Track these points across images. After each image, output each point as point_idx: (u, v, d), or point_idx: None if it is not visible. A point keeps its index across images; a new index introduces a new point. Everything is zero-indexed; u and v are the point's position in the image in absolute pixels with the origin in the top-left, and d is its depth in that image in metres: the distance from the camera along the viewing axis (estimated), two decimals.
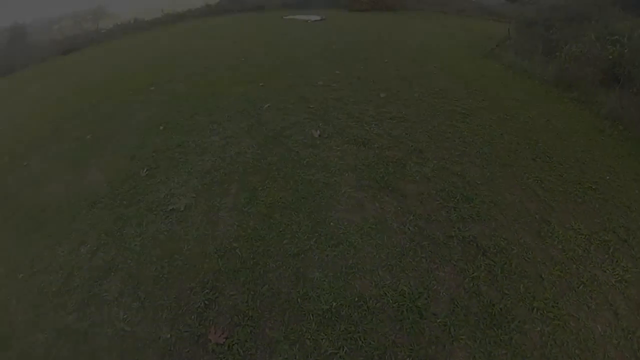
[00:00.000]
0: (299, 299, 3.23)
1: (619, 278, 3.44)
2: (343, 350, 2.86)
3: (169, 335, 3.09)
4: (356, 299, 3.21)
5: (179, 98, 7.95)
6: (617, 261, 3.62)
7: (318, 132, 5.52)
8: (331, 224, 3.92)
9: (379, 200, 4.26)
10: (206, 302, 3.29)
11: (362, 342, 2.91)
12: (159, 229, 4.18)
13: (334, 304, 3.18)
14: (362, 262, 3.53)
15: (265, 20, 21.43)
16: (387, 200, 4.26)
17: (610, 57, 8.70)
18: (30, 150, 6.97)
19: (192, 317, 3.21)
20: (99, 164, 5.87)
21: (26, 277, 3.91)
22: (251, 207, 4.24)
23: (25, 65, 27.28)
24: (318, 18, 20.19)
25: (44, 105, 10.35)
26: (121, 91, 9.41)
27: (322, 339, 2.94)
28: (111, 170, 5.59)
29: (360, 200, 4.24)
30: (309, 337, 2.97)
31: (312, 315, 3.12)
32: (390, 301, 3.19)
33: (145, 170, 5.30)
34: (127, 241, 4.09)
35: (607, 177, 5.03)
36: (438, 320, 3.05)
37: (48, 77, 15.62)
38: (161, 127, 6.56)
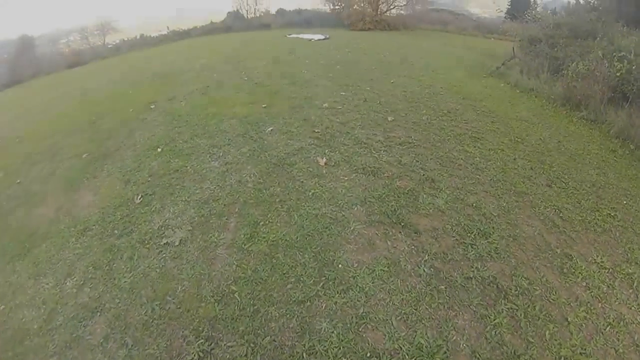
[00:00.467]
0: (304, 354, 2.81)
1: None
2: None
3: None
4: (368, 354, 2.78)
5: (179, 118, 7.60)
6: None
7: (324, 159, 5.12)
8: (340, 266, 3.51)
9: (390, 237, 3.85)
10: (200, 353, 2.86)
11: None
12: (151, 264, 3.77)
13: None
14: (375, 310, 3.11)
15: (270, 39, 21.26)
16: (399, 238, 3.85)
17: (618, 74, 8.40)
18: (26, 167, 6.69)
19: None
20: (92, 186, 5.52)
21: (7, 310, 3.54)
22: (252, 244, 3.82)
23: (32, 77, 27.25)
24: (322, 37, 20.02)
25: (44, 119, 10.15)
26: (122, 108, 9.10)
27: None
28: (105, 194, 5.23)
29: (371, 238, 3.83)
30: None
31: None
32: (407, 356, 2.76)
33: (139, 197, 4.91)
34: (116, 277, 3.68)
35: (624, 202, 4.84)
36: None
37: (51, 91, 15.53)
38: (159, 149, 6.19)
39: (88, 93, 12.69)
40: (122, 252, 4.01)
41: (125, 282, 3.61)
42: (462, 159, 5.57)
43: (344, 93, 8.53)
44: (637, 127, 7.19)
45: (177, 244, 3.99)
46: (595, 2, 14.64)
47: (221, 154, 5.68)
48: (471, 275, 3.48)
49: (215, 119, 7.23)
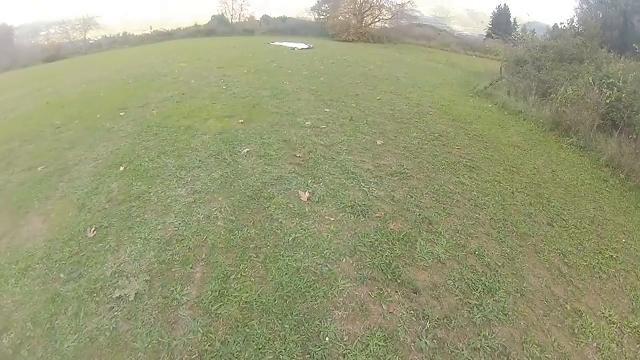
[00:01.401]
0: None
1: None
2: None
3: None
4: None
5: (148, 130, 6.73)
6: None
7: (307, 193, 4.35)
8: (327, 339, 2.75)
9: (386, 299, 3.12)
10: None
11: None
12: (100, 325, 2.94)
13: None
14: None
15: (252, 46, 20.42)
16: (396, 300, 3.13)
17: (608, 101, 8.05)
18: None
19: None
20: (43, 210, 4.62)
21: None
22: (221, 305, 3.03)
23: (8, 69, 25.76)
24: (305, 46, 19.38)
25: (7, 119, 9.16)
26: (90, 114, 8.19)
27: None
28: (55, 221, 4.35)
29: (364, 301, 3.09)
30: None
31: None
32: None
33: (93, 230, 4.06)
34: (58, 339, 2.85)
35: (624, 241, 4.51)
36: None
37: (23, 87, 14.47)
38: (122, 168, 5.34)
39: (60, 92, 11.71)
40: (68, 305, 3.18)
41: (68, 347, 2.78)
42: (459, 193, 4.91)
43: (328, 110, 7.79)
44: (627, 155, 6.87)
45: (132, 298, 3.17)
46: (580, 28, 14.47)
47: (190, 179, 4.84)
48: (479, 346, 2.86)
49: (187, 134, 6.39)
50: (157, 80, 11.36)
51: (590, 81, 9.03)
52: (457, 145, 6.56)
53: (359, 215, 4.07)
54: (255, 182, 4.68)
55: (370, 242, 3.70)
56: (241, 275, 3.29)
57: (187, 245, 3.68)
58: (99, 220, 4.22)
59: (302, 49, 19.22)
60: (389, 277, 3.33)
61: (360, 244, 3.65)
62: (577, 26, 14.83)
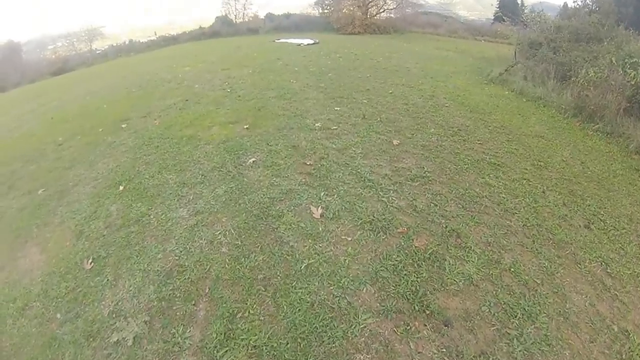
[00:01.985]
0: None
1: None
2: None
3: None
4: None
5: (149, 142, 6.36)
6: None
7: (319, 209, 3.87)
8: None
9: (413, 336, 2.66)
10: None
11: None
12: None
13: None
14: None
15: (257, 45, 19.96)
16: (425, 335, 2.67)
17: (633, 82, 7.38)
18: None
19: None
20: (41, 239, 4.34)
21: None
22: (226, 350, 2.62)
23: (18, 84, 25.84)
24: (311, 42, 18.82)
25: (11, 137, 9.02)
26: (91, 127, 7.89)
27: None
28: (52, 251, 4.04)
29: (388, 339, 2.64)
30: None
31: None
32: None
33: (90, 261, 3.71)
34: None
35: None
36: None
37: (28, 102, 14.36)
38: (121, 187, 4.98)
39: (64, 106, 11.49)
40: (64, 350, 2.87)
41: None
42: (486, 196, 4.41)
43: (338, 108, 7.29)
44: None
45: (130, 343, 2.80)
46: (594, 5, 13.71)
47: (191, 197, 4.43)
48: None
49: (190, 144, 5.99)
50: (160, 86, 11.01)
51: (613, 61, 8.37)
52: (478, 140, 6.03)
53: (379, 232, 3.59)
54: (262, 197, 4.23)
55: (393, 264, 3.23)
56: (248, 312, 2.87)
57: (188, 277, 3.27)
58: (96, 250, 3.87)
59: (308, 44, 18.67)
60: (416, 307, 2.86)
61: (382, 268, 3.19)
62: (590, 3, 14.07)
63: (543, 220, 4.08)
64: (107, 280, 3.45)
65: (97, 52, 35.58)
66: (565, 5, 21.79)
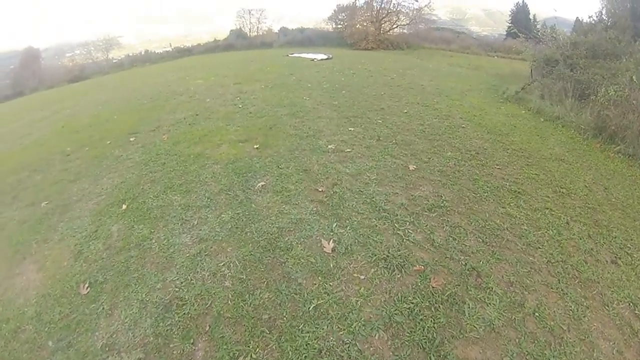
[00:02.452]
0: None
1: None
2: None
3: None
4: None
5: (156, 158, 6.17)
6: None
7: (331, 243, 3.60)
8: None
9: None
10: None
11: None
12: None
13: None
14: None
15: (270, 59, 19.92)
16: None
17: None
18: None
19: None
20: (40, 256, 4.11)
21: None
22: None
23: (35, 89, 26.16)
24: (324, 57, 18.74)
25: (21, 145, 8.94)
26: (100, 139, 7.76)
27: None
28: (49, 270, 3.81)
29: None
30: None
31: None
32: None
33: (86, 286, 3.47)
34: None
35: None
36: None
37: (42, 109, 14.41)
38: (124, 206, 4.77)
39: (76, 115, 11.46)
40: None
41: None
42: (507, 229, 4.11)
43: (352, 129, 7.04)
44: None
45: None
46: (609, 21, 13.43)
47: (196, 222, 4.19)
48: None
49: (197, 163, 5.78)
50: (171, 99, 10.89)
51: (634, 79, 8.07)
52: (497, 164, 5.75)
53: (394, 270, 3.30)
54: (271, 226, 3.96)
55: (409, 307, 2.94)
56: (251, 357, 2.60)
57: (188, 312, 3.01)
58: (94, 273, 3.64)
59: (322, 59, 18.58)
60: (432, 357, 2.57)
61: (397, 312, 2.90)
62: (605, 19, 13.80)
63: (568, 256, 3.77)
64: (103, 308, 3.21)
65: (114, 61, 36.03)
66: (578, 19, 21.53)
